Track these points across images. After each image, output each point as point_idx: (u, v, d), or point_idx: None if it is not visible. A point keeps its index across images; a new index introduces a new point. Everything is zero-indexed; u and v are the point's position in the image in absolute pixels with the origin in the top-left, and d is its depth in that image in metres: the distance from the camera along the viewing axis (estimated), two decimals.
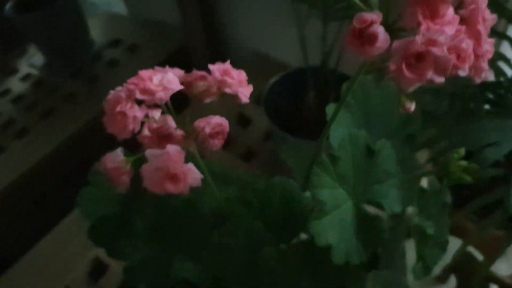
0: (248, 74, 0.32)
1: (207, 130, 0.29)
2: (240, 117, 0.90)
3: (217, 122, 0.30)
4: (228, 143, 0.85)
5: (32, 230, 0.79)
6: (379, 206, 0.30)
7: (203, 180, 0.39)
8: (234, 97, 0.32)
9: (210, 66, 0.31)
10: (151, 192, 0.37)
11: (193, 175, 0.28)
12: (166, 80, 0.30)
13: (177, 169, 0.28)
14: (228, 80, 0.31)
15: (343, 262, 0.28)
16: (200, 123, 0.30)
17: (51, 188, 0.92)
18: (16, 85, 1.06)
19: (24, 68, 1.10)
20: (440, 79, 0.21)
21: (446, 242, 0.34)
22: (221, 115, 0.31)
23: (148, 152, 0.28)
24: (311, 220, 0.28)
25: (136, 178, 0.31)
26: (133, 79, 0.30)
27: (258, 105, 0.89)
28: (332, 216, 0.28)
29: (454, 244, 0.50)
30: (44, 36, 1.03)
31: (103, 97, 0.30)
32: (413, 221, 0.31)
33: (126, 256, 0.36)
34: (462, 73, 0.22)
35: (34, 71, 1.08)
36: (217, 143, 0.30)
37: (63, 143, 0.92)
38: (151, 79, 0.29)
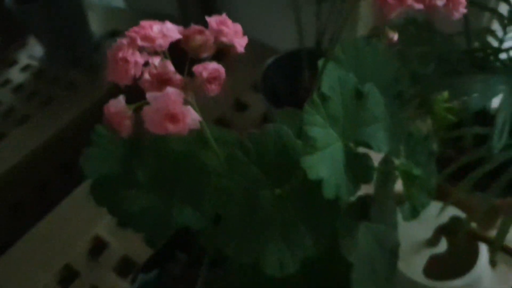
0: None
1: (205, 74, 0.31)
2: (237, 102, 0.91)
3: (214, 67, 0.31)
4: (225, 127, 0.87)
5: (32, 215, 0.80)
6: (368, 146, 0.32)
7: (202, 139, 0.40)
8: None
9: (207, 18, 0.33)
10: (152, 142, 0.39)
11: (191, 115, 0.30)
12: (166, 28, 0.32)
13: (176, 108, 0.29)
14: (225, 29, 0.32)
15: (333, 196, 0.30)
16: (198, 68, 0.31)
17: (50, 173, 0.94)
18: (16, 75, 1.07)
19: (24, 59, 1.11)
20: (419, 6, 0.23)
21: (433, 188, 0.36)
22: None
23: (149, 95, 0.30)
24: (303, 156, 0.29)
25: (137, 132, 0.33)
26: (134, 28, 0.31)
27: (254, 91, 0.91)
28: (323, 153, 0.30)
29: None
30: (44, 27, 1.04)
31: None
32: (400, 165, 0.33)
33: (127, 207, 0.37)
34: (440, 2, 0.24)
35: (33, 62, 1.10)
36: (214, 88, 0.32)
37: (62, 129, 0.94)
38: (151, 27, 0.31)
